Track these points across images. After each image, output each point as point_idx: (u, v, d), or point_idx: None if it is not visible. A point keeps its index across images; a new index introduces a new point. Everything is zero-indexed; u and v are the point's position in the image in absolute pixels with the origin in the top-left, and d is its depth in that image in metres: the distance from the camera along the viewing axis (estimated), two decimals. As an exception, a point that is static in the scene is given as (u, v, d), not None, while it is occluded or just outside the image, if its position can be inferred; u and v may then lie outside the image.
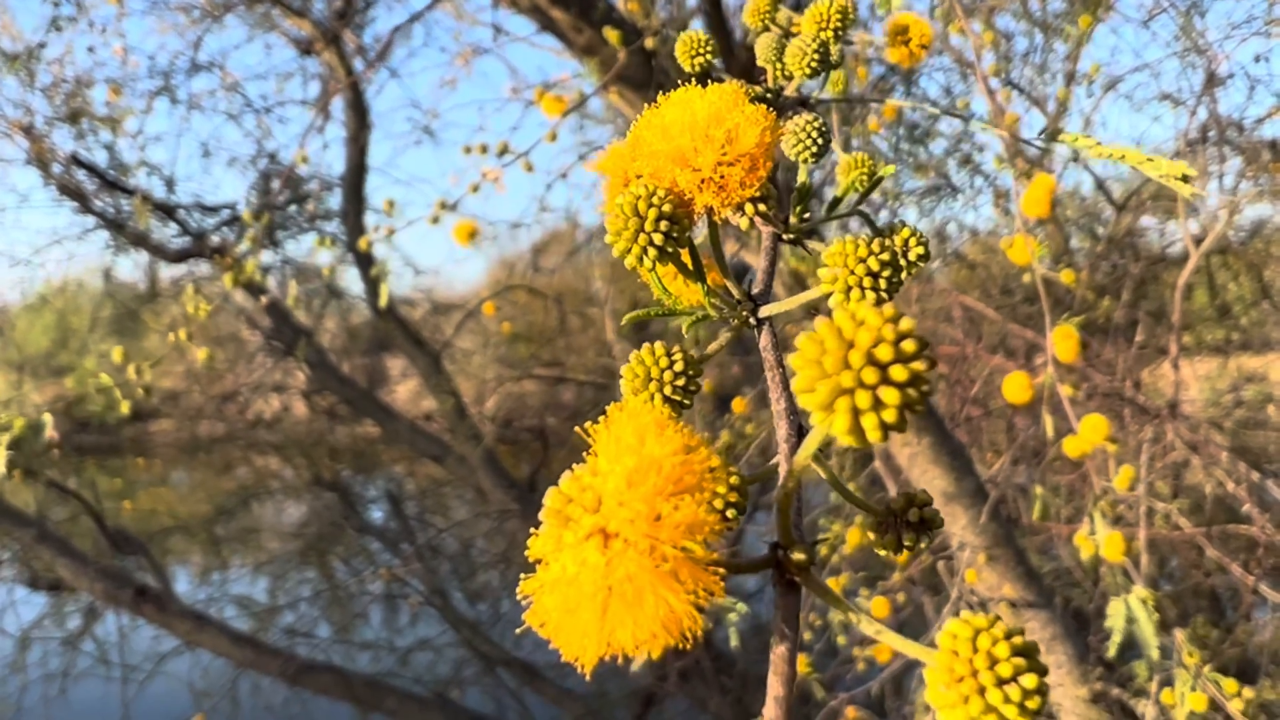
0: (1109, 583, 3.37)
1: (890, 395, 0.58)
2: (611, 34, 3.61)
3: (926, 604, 6.49)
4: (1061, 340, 2.84)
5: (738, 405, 5.09)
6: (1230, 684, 3.19)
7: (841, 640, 4.84)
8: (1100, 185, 8.15)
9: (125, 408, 3.58)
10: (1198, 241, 5.82)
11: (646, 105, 0.96)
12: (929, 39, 1.48)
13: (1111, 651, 3.26)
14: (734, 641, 3.68)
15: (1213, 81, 5.90)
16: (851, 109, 5.18)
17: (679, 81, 0.97)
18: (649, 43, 3.71)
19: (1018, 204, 3.07)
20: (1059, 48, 6.61)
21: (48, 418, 3.79)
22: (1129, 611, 3.18)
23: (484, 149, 3.89)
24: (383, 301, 5.10)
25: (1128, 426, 5.90)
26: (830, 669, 5.64)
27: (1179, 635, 3.30)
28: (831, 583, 4.28)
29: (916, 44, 1.48)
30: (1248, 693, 3.17)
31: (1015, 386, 2.86)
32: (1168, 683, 3.41)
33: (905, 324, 0.60)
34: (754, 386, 6.00)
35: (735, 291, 0.98)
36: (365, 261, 8.56)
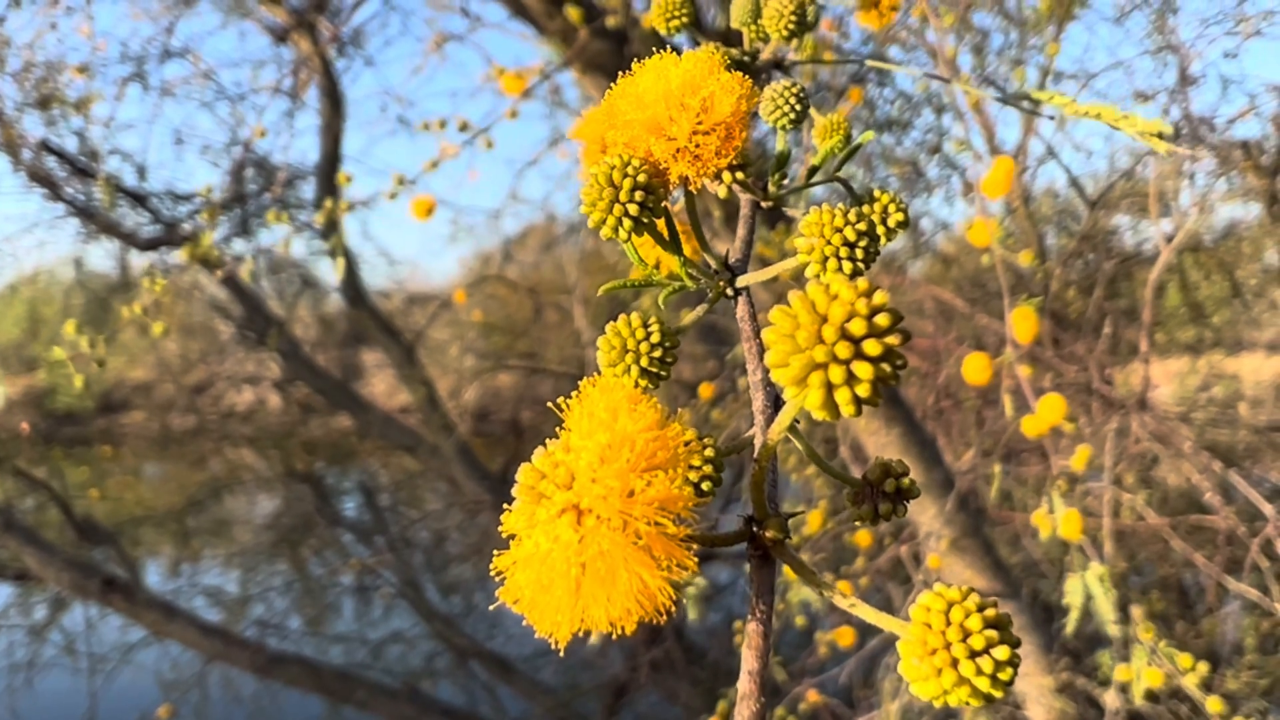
0: (1074, 565, 3.39)
1: (864, 369, 0.58)
2: (573, 11, 3.59)
3: (894, 595, 6.53)
4: (1020, 321, 2.85)
5: (704, 390, 5.08)
6: (1185, 659, 3.22)
7: (801, 622, 4.84)
8: (1074, 182, 8.20)
9: (79, 382, 3.52)
10: (1169, 239, 5.87)
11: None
12: (898, 1, 1.47)
13: (1069, 628, 3.29)
14: (692, 615, 3.67)
15: (1185, 80, 5.95)
16: (824, 100, 5.19)
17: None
18: (611, 21, 3.69)
19: (977, 186, 3.08)
20: (1035, 43, 6.64)
21: (1, 389, 3.74)
22: (1086, 588, 3.21)
23: (443, 124, 3.86)
24: (339, 274, 5.06)
25: (1095, 419, 5.95)
26: (799, 660, 5.66)
27: (1135, 611, 3.33)
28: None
29: (886, 5, 1.48)
30: (1202, 668, 3.19)
31: (975, 367, 2.88)
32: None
33: (879, 297, 0.60)
34: (730, 379, 6.01)
35: (712, 261, 0.98)
36: (327, 234, 8.50)
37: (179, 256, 4.33)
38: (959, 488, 4.40)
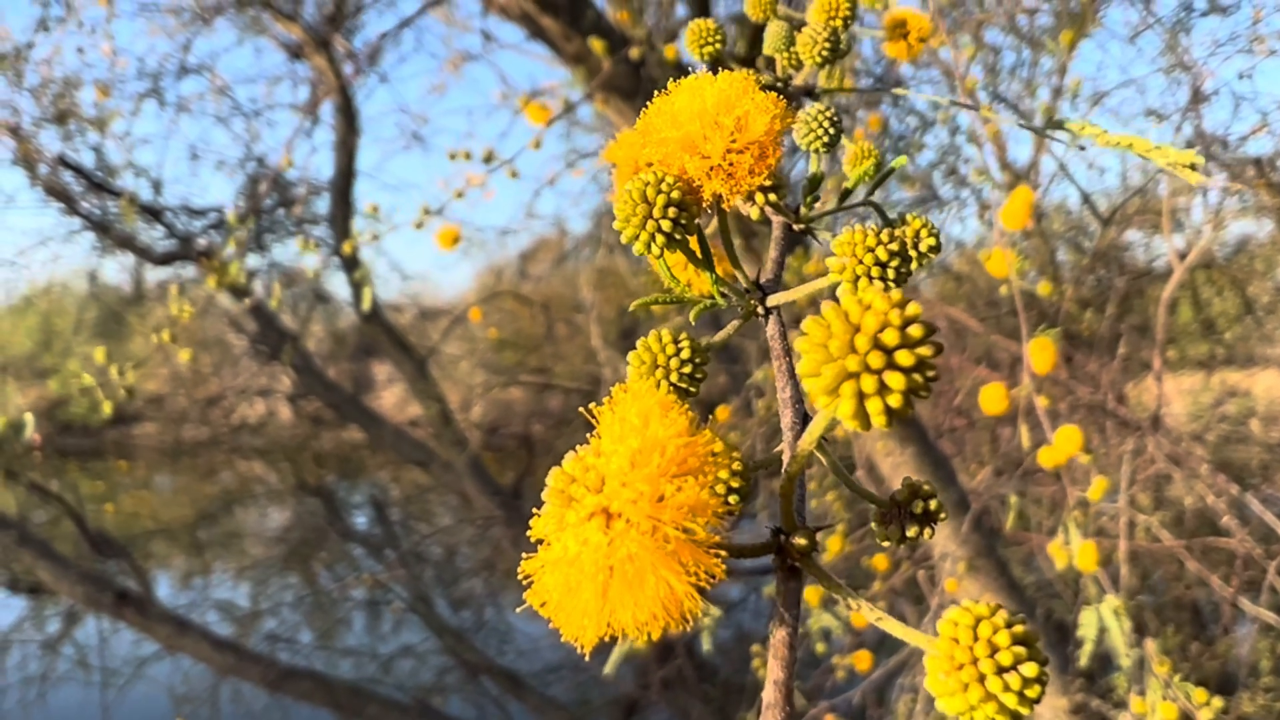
0: (1089, 594, 3.38)
1: (896, 380, 0.58)
2: (596, 43, 3.62)
3: (909, 615, 6.49)
4: (1038, 351, 2.85)
5: (721, 413, 5.08)
6: (1200, 693, 3.19)
7: (821, 648, 4.81)
8: (1086, 199, 8.18)
9: (108, 408, 3.55)
10: (1182, 256, 5.86)
11: (635, 113, 0.96)
12: (927, 32, 1.48)
13: (1083, 660, 3.27)
14: (707, 646, 3.67)
15: (1198, 98, 5.94)
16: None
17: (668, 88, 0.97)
18: (634, 52, 3.72)
19: (997, 216, 3.09)
20: (1046, 62, 6.65)
21: (29, 417, 3.76)
22: (1100, 620, 3.20)
23: (468, 155, 3.88)
24: (365, 305, 5.09)
25: (1110, 439, 5.92)
26: (811, 678, 5.63)
27: (1149, 644, 3.31)
28: (810, 591, 4.27)
29: (915, 37, 1.48)
30: (1217, 702, 3.17)
31: (992, 397, 2.87)
32: (1144, 694, 3.43)
33: (912, 309, 0.60)
34: (740, 396, 6.00)
35: (744, 280, 0.98)
36: (352, 266, 8.56)
37: (207, 284, 4.35)
38: (974, 508, 4.39)
